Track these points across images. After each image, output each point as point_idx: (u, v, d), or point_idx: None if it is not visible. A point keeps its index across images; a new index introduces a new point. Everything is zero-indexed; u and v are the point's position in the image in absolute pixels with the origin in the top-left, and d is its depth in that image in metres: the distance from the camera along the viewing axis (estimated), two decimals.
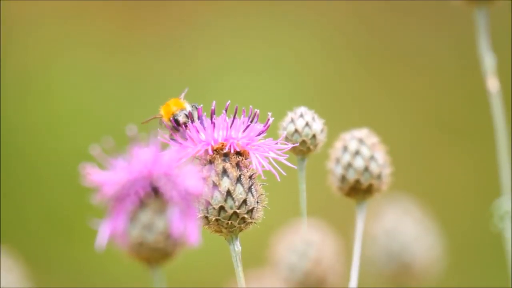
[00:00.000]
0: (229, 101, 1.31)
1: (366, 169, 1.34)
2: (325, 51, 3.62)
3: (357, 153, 1.34)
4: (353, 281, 1.32)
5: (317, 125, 1.36)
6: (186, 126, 1.36)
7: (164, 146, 1.32)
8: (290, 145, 1.32)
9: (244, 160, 1.29)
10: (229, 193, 1.27)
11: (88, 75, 3.60)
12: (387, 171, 1.36)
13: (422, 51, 3.66)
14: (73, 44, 3.65)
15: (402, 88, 3.69)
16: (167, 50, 3.70)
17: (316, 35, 3.67)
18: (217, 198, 1.27)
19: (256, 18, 3.76)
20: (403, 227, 1.62)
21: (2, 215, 3.51)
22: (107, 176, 1.17)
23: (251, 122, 1.31)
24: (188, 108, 1.41)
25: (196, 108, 1.40)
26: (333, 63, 3.63)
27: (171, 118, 1.39)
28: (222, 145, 1.29)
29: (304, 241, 1.38)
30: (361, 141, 1.35)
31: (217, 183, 1.28)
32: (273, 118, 1.31)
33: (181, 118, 1.38)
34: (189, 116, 1.39)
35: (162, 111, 1.45)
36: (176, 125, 1.38)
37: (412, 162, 3.44)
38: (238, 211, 1.27)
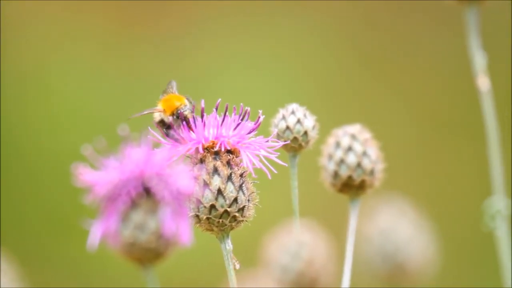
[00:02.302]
0: (220, 99, 1.31)
1: (359, 165, 1.34)
2: (326, 49, 3.62)
3: (349, 149, 1.34)
4: (346, 279, 1.31)
5: (309, 122, 1.35)
6: (188, 121, 1.34)
7: (156, 146, 1.32)
8: (281, 143, 1.32)
9: (235, 158, 1.29)
10: (219, 191, 1.26)
11: (87, 74, 3.60)
12: (379, 167, 1.36)
13: (425, 50, 3.65)
14: (72, 43, 3.65)
15: (403, 86, 3.68)
16: (167, 48, 3.69)
17: (317, 33, 3.66)
18: (208, 197, 1.26)
19: (257, 16, 3.75)
20: (397, 227, 1.61)
21: (1, 215, 3.51)
22: (99, 176, 1.17)
23: (242, 120, 1.30)
24: (188, 104, 1.39)
25: (191, 102, 1.39)
26: (334, 61, 3.62)
27: (176, 112, 1.37)
28: (213, 144, 1.28)
29: (296, 242, 1.37)
30: (353, 137, 1.34)
31: (208, 182, 1.27)
32: (263, 116, 1.30)
33: (187, 113, 1.36)
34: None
35: (161, 106, 1.42)
36: (180, 120, 1.36)
37: (412, 161, 3.44)
38: (229, 209, 1.26)
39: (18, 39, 3.69)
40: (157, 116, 1.43)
